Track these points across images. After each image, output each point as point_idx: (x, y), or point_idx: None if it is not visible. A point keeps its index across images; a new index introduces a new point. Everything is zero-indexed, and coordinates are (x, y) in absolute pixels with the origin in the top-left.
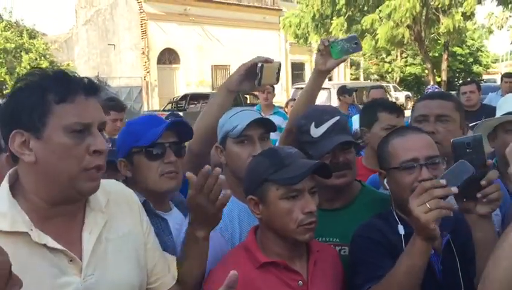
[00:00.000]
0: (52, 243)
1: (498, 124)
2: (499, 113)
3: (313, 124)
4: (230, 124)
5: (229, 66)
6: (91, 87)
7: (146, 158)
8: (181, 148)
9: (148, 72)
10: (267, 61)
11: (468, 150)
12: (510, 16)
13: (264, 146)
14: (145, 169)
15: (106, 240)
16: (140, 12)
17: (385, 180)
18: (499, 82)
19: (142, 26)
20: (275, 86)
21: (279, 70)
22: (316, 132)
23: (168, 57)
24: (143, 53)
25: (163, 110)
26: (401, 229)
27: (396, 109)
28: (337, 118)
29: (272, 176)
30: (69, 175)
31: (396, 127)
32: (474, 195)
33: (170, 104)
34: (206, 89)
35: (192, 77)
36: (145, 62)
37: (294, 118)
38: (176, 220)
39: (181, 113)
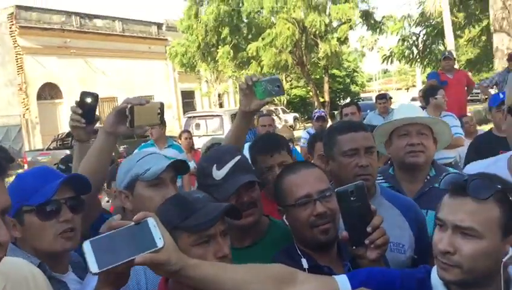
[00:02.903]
0: None
1: (393, 130)
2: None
3: (215, 166)
4: (141, 167)
5: (117, 98)
6: None
7: (38, 218)
8: (78, 203)
9: (27, 109)
10: (140, 103)
11: (352, 198)
12: (378, 39)
13: (175, 189)
14: (38, 229)
15: None
16: (15, 46)
17: (284, 217)
18: (374, 99)
19: (17, 61)
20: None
21: (161, 110)
22: (218, 174)
23: (49, 92)
24: (20, 89)
25: (48, 149)
26: (304, 263)
27: (271, 149)
28: (238, 157)
29: (182, 223)
30: None
31: (286, 163)
32: (362, 241)
33: (55, 142)
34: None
35: None
36: (24, 99)
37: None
38: (75, 282)
39: (68, 151)
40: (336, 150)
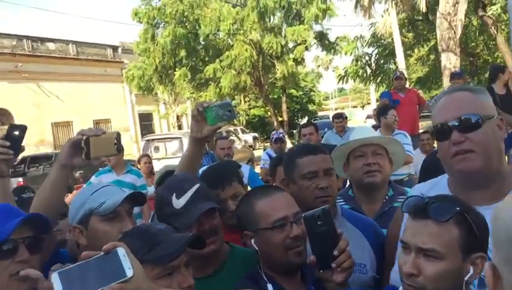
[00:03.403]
0: None
1: (349, 152)
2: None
3: (174, 195)
4: (95, 200)
5: (72, 122)
6: None
7: None
8: (37, 242)
9: None
10: (96, 134)
11: (319, 223)
12: (333, 58)
13: (131, 221)
14: None
15: None
16: None
17: (252, 241)
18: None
19: None
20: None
21: (118, 140)
22: (178, 203)
23: (0, 117)
24: None
25: None
26: (270, 288)
27: (222, 182)
28: (197, 185)
29: (145, 256)
30: None
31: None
32: (329, 265)
33: None
34: (48, 149)
35: (31, 138)
36: None
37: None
38: None
39: (20, 179)
40: (296, 173)
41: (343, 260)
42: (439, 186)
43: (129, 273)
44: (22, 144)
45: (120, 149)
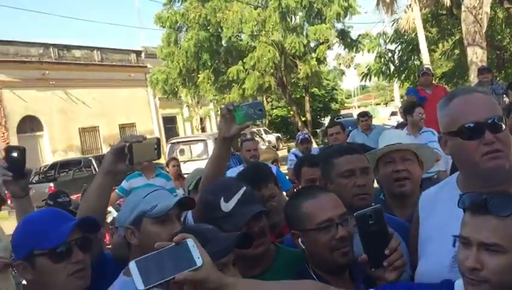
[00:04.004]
0: None
1: (379, 157)
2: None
3: (222, 198)
4: (147, 203)
5: (98, 127)
6: None
7: (51, 261)
8: (88, 242)
9: (7, 143)
10: (138, 140)
11: (370, 221)
12: (355, 56)
13: (180, 225)
14: (50, 272)
15: None
16: None
17: (299, 240)
18: (355, 116)
19: None
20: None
21: (158, 145)
22: (226, 206)
23: (29, 124)
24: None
25: (30, 183)
26: None
27: (259, 183)
28: (244, 188)
29: None
30: None
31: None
32: (381, 263)
33: (37, 175)
34: (76, 155)
35: (59, 144)
36: (3, 133)
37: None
38: None
39: (51, 184)
40: (333, 173)
41: (395, 258)
42: (448, 186)
43: (199, 262)
44: (26, 167)
45: (160, 154)
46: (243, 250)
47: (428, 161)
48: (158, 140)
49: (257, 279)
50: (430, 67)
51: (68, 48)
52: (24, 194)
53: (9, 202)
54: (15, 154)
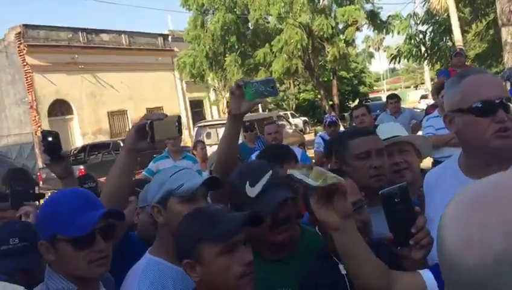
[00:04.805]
0: None
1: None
2: None
3: (248, 183)
4: (174, 182)
5: (127, 111)
6: None
7: (73, 248)
8: (111, 230)
9: (39, 126)
10: (159, 118)
11: (396, 200)
12: (384, 38)
13: (206, 204)
14: (71, 257)
15: None
16: (24, 65)
17: (316, 227)
18: (384, 99)
19: (27, 80)
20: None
21: (179, 122)
22: (252, 191)
23: (60, 108)
24: (31, 107)
25: None
26: (342, 269)
27: (281, 160)
28: (270, 172)
29: (206, 235)
30: None
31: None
32: (407, 242)
33: (69, 158)
34: (105, 138)
35: (88, 127)
36: (35, 116)
37: (219, 170)
38: None
39: (81, 167)
40: (348, 155)
41: (422, 237)
42: (451, 167)
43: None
44: (63, 150)
45: (181, 131)
46: (268, 236)
47: (424, 148)
48: (179, 117)
49: (282, 262)
50: (463, 49)
51: (96, 32)
52: (67, 174)
53: (41, 183)
54: (50, 138)
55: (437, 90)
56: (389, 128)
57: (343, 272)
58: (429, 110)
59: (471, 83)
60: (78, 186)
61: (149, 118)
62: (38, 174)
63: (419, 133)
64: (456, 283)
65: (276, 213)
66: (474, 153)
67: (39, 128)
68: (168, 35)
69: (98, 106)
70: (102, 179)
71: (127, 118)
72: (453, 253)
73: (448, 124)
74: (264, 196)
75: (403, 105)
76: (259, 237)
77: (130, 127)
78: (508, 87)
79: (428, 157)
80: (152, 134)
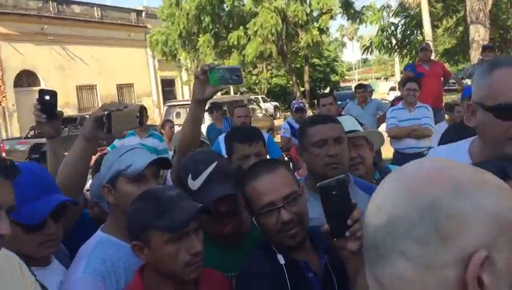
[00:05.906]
0: None
1: None
2: None
3: (190, 176)
4: (122, 162)
5: (96, 85)
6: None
7: (22, 231)
8: (62, 213)
9: (4, 96)
10: (118, 109)
11: (333, 192)
12: (358, 28)
13: (157, 184)
14: (20, 239)
15: None
16: None
17: (253, 219)
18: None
19: None
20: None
21: (141, 113)
22: (193, 184)
23: (27, 79)
24: None
25: (26, 137)
26: (280, 259)
27: (250, 138)
28: (213, 165)
29: (155, 222)
30: None
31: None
32: (343, 233)
33: (32, 131)
34: (73, 112)
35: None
36: (0, 86)
37: (183, 150)
38: (58, 271)
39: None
40: (307, 142)
41: (357, 229)
42: (460, 152)
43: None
44: (58, 109)
45: (142, 122)
46: (213, 228)
47: (377, 142)
48: (142, 107)
49: (232, 250)
50: (432, 44)
51: (68, 3)
52: (56, 134)
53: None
54: (47, 97)
55: (403, 83)
56: (343, 123)
57: (282, 262)
58: (394, 102)
59: (501, 78)
60: (62, 149)
61: (107, 108)
62: (1, 145)
63: (384, 124)
64: (366, 242)
65: (217, 207)
66: (491, 148)
67: (4, 99)
68: (142, 11)
69: (67, 79)
70: (67, 153)
71: (96, 93)
72: (368, 216)
73: (469, 115)
74: (204, 191)
75: (373, 96)
76: (206, 228)
77: (99, 102)
78: (469, 83)
79: (391, 148)
80: (109, 125)
